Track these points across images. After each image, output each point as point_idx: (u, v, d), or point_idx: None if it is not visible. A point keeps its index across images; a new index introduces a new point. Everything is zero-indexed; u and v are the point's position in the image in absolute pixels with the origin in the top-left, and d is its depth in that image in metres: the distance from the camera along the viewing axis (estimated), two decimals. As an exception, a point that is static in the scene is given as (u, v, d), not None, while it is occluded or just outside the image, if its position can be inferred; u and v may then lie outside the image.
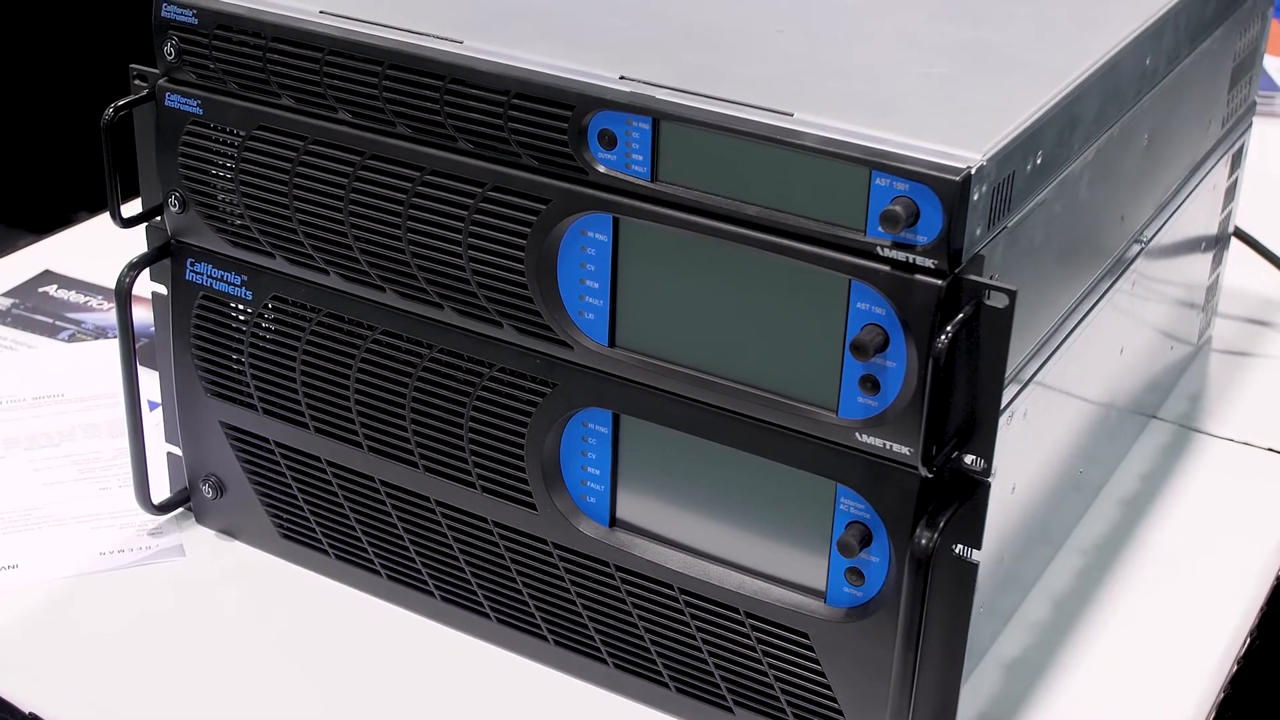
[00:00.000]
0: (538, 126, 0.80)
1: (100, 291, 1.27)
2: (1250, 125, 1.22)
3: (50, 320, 1.24)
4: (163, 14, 0.89)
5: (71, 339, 1.21)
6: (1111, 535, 1.05)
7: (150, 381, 1.14)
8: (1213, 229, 1.20)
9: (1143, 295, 1.03)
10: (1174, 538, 1.05)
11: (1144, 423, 1.16)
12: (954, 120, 0.76)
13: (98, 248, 1.36)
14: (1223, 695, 0.94)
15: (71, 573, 0.97)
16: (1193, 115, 1.06)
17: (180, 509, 1.02)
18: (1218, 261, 1.24)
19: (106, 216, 1.41)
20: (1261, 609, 1.00)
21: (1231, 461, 1.14)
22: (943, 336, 0.72)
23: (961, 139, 0.73)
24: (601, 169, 0.79)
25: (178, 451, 1.01)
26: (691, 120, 0.76)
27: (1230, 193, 1.22)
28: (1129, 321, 1.02)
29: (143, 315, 1.22)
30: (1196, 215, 1.13)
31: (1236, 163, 1.21)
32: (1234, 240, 1.27)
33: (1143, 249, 1.00)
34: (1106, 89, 0.86)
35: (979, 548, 0.77)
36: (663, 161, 0.78)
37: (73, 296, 1.27)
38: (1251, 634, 0.99)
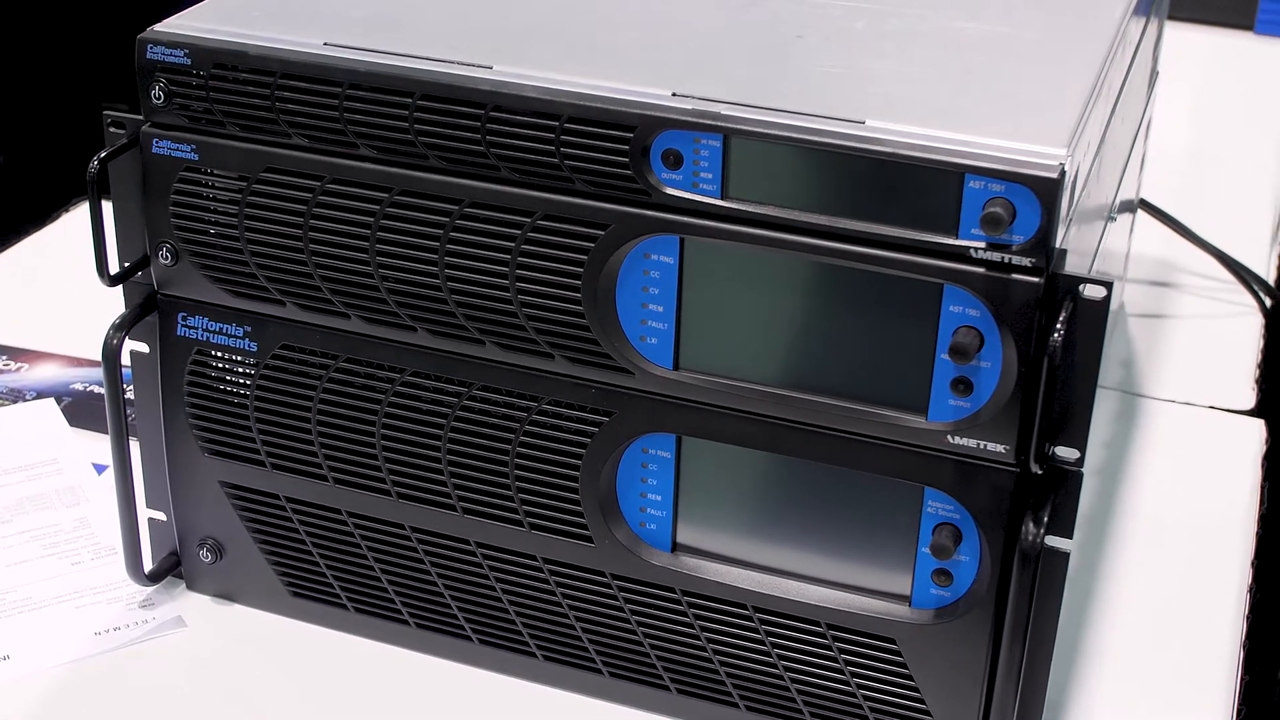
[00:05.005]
0: (595, 150, 0.77)
1: (4, 351, 1.19)
2: (1155, 94, 1.25)
3: (-43, 386, 1.15)
4: (148, 56, 0.83)
5: (-13, 404, 1.13)
6: (1097, 507, 1.07)
7: (96, 445, 1.08)
8: (1132, 195, 1.23)
9: (1104, 269, 1.06)
10: (1153, 503, 1.08)
11: (1093, 392, 1.18)
12: (1021, 118, 0.76)
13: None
14: (1243, 651, 0.97)
15: (68, 658, 0.91)
16: (1139, 87, 1.08)
17: (168, 576, 0.96)
18: (1131, 229, 1.28)
19: (-16, 269, 1.33)
20: (1252, 563, 1.04)
21: (1180, 422, 1.17)
22: (1055, 334, 0.72)
23: (1040, 135, 0.73)
24: (668, 190, 0.77)
25: (161, 517, 0.95)
26: (765, 135, 0.74)
27: (1143, 160, 1.26)
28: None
29: (57, 374, 1.15)
30: (1127, 185, 1.16)
31: (1148, 130, 1.25)
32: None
33: (1110, 224, 1.03)
34: (1117, 71, 0.87)
35: (1070, 537, 0.77)
36: (733, 178, 0.76)
37: (-26, 358, 1.18)
38: (1250, 589, 1.02)
